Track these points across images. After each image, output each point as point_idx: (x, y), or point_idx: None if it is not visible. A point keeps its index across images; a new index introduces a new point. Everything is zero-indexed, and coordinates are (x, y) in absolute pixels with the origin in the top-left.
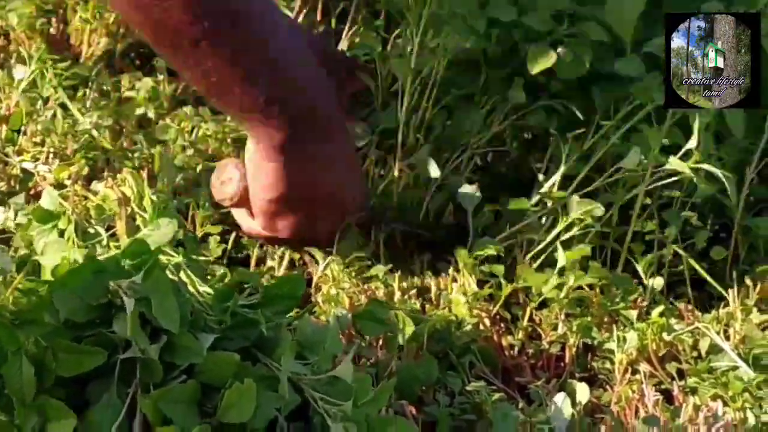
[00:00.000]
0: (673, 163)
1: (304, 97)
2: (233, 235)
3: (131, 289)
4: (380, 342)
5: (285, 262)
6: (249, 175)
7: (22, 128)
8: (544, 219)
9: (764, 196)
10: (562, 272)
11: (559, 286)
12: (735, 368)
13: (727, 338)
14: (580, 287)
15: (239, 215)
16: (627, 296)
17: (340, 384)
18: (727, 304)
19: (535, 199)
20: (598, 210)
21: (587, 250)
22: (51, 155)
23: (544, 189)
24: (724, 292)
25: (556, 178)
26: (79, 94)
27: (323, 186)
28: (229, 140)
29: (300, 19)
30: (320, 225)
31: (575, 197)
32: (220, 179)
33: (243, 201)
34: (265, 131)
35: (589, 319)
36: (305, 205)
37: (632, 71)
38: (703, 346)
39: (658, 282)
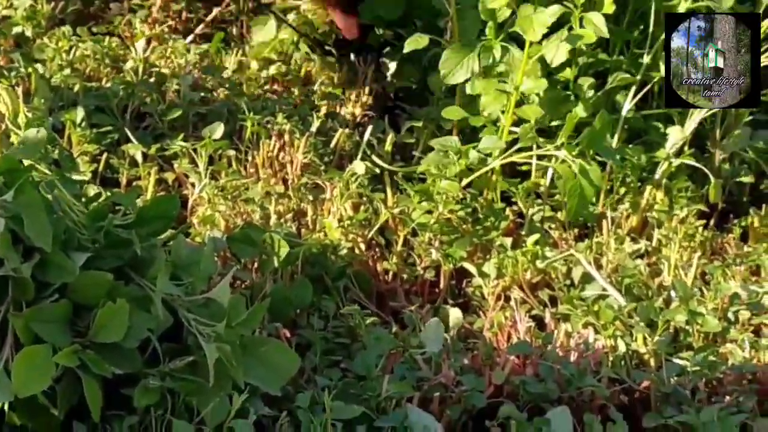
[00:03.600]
0: None
1: None
2: (105, 155)
3: (2, 207)
4: (255, 265)
5: (152, 180)
6: None
7: None
8: None
9: (640, 126)
10: (432, 198)
11: (430, 213)
12: (606, 297)
13: (600, 267)
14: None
15: None
16: (498, 224)
17: (214, 305)
18: (601, 234)
19: None
20: None
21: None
22: None
23: None
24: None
25: None
26: None
27: None
28: (107, 60)
29: None
30: None
31: None
32: None
33: None
34: None
35: (462, 246)
36: None
37: None
38: (576, 274)
39: (537, 214)
